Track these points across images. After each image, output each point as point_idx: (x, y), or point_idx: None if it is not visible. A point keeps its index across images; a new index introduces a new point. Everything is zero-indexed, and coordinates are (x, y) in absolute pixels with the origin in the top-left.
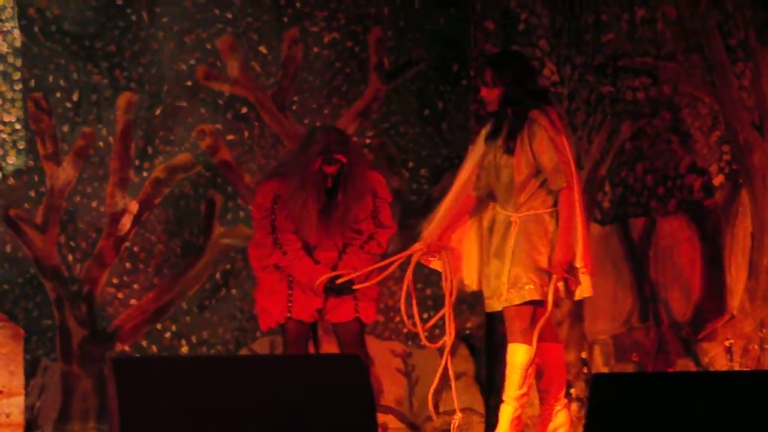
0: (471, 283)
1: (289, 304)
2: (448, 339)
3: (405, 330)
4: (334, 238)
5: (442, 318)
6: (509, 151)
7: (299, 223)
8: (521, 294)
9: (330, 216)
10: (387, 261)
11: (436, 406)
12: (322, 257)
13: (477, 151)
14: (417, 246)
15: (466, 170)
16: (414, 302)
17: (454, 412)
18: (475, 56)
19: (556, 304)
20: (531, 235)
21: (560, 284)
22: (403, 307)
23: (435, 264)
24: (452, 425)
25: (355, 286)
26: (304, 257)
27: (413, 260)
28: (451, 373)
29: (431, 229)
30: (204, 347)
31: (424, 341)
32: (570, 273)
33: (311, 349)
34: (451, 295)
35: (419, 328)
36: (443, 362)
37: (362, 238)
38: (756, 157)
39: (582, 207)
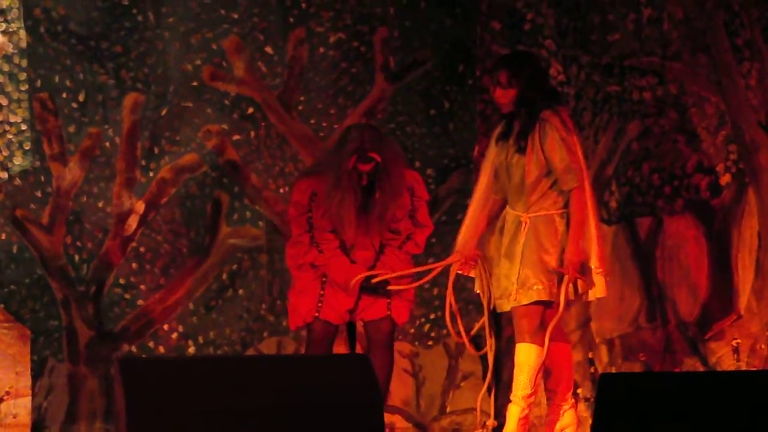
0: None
1: (319, 304)
2: (489, 347)
3: (412, 330)
4: (372, 238)
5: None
6: (521, 150)
7: (337, 221)
8: (529, 294)
9: (368, 214)
10: (424, 267)
11: (443, 407)
12: (359, 257)
13: (491, 153)
14: (454, 257)
15: (485, 174)
16: (456, 312)
17: (462, 412)
18: (480, 56)
19: (568, 305)
20: (541, 236)
21: (570, 288)
22: (448, 319)
23: (473, 273)
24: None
25: (391, 287)
26: (341, 256)
27: (452, 271)
28: (488, 378)
29: (464, 239)
30: (211, 348)
31: (471, 350)
32: (583, 273)
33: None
34: (489, 302)
35: (464, 337)
36: (490, 369)
37: (400, 238)
38: (762, 157)
39: (594, 207)
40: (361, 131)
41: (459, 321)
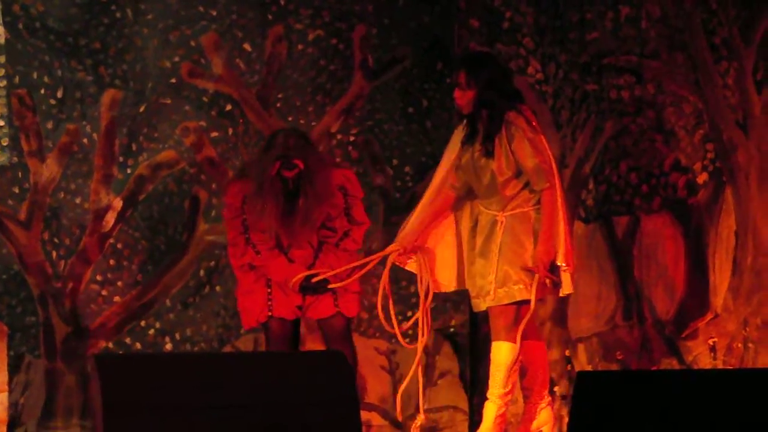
0: (448, 283)
1: (269, 303)
2: (420, 341)
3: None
4: (308, 237)
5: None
6: (488, 154)
7: (262, 225)
8: (511, 293)
9: (292, 220)
10: (362, 261)
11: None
12: (297, 255)
13: (452, 151)
14: (392, 247)
15: (441, 171)
16: (390, 303)
17: (437, 410)
18: (459, 54)
19: (542, 301)
20: (518, 234)
21: (547, 282)
22: (380, 308)
23: (410, 266)
24: (413, 426)
25: (331, 285)
26: (278, 256)
27: (388, 261)
28: (419, 374)
29: (407, 230)
30: (188, 344)
31: (402, 341)
32: (552, 272)
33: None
34: (426, 296)
35: (396, 329)
36: (415, 363)
37: (337, 235)
38: (740, 156)
39: (564, 205)
40: (285, 137)
41: (392, 311)
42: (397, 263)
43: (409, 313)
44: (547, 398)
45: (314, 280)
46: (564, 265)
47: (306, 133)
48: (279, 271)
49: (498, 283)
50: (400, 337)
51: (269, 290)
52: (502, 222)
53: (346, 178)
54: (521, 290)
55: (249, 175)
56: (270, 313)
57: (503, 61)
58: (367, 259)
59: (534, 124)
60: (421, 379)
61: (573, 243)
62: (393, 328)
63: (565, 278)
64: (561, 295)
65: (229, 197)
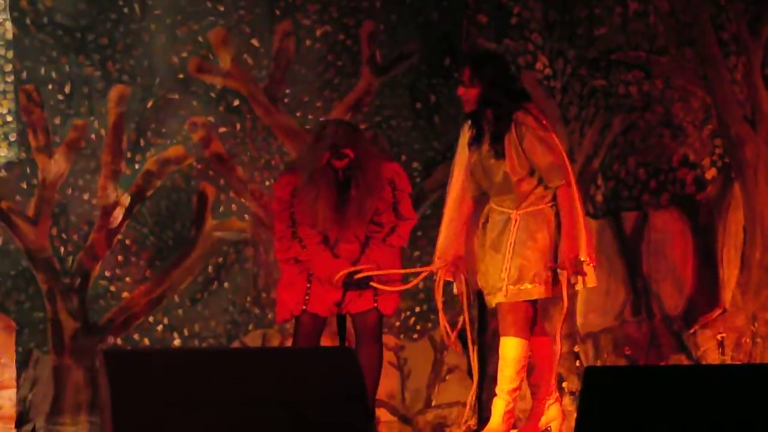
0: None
1: (306, 297)
2: (471, 348)
3: (397, 323)
4: (356, 231)
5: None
6: (499, 155)
7: (314, 217)
8: (523, 292)
9: (346, 210)
10: (408, 270)
11: (429, 400)
12: (344, 250)
13: (462, 156)
14: (437, 264)
15: (457, 178)
16: (444, 318)
17: (447, 405)
18: (467, 50)
19: (569, 297)
20: (533, 231)
21: (572, 278)
22: (441, 323)
23: (451, 277)
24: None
25: (373, 283)
26: (324, 251)
27: (438, 279)
28: (475, 375)
29: (445, 244)
30: (196, 340)
31: (458, 349)
32: (578, 268)
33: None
34: (469, 305)
35: (453, 340)
36: (475, 368)
37: (384, 230)
38: (748, 151)
39: (580, 200)
40: (335, 127)
41: (447, 325)
42: (447, 279)
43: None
44: (555, 394)
45: (357, 276)
46: (587, 259)
47: (356, 124)
48: (324, 267)
49: (511, 280)
50: (456, 347)
51: (309, 285)
52: (516, 220)
53: (395, 172)
54: (535, 288)
55: (298, 167)
56: (305, 307)
57: (511, 57)
58: (415, 270)
59: (544, 122)
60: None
61: (591, 237)
62: (451, 340)
63: (589, 272)
64: (588, 286)
65: (278, 190)
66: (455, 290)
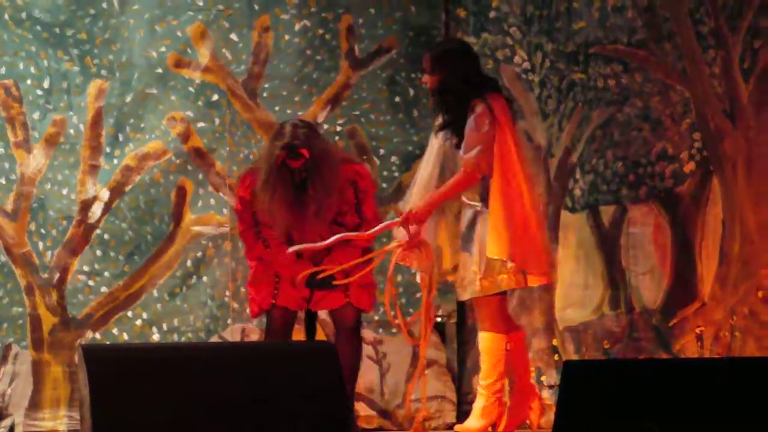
0: (447, 268)
1: (275, 291)
2: (424, 336)
3: (376, 318)
4: (320, 232)
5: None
6: (459, 144)
7: (270, 217)
8: (496, 284)
9: (304, 211)
10: (366, 257)
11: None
12: (308, 251)
13: (433, 146)
14: (394, 245)
15: (427, 166)
16: (395, 302)
17: (426, 399)
18: None
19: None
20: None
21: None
22: (387, 306)
23: (414, 263)
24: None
25: (336, 282)
26: (287, 251)
27: (392, 259)
28: (421, 366)
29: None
30: (175, 335)
31: (408, 340)
32: (407, 220)
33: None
34: (429, 292)
35: (402, 327)
36: (421, 357)
37: (347, 232)
38: (727, 145)
39: (535, 203)
40: (291, 127)
41: (397, 308)
42: (400, 262)
43: (410, 310)
44: (534, 388)
45: (320, 276)
46: (509, 261)
47: (314, 124)
48: (286, 266)
49: (483, 274)
50: (406, 335)
51: (278, 280)
52: (482, 213)
53: (357, 173)
54: (505, 280)
55: (257, 166)
56: (274, 301)
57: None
58: (371, 255)
59: (498, 110)
60: (419, 373)
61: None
62: (399, 325)
63: (426, 250)
64: (533, 284)
65: (240, 189)
66: (418, 279)
